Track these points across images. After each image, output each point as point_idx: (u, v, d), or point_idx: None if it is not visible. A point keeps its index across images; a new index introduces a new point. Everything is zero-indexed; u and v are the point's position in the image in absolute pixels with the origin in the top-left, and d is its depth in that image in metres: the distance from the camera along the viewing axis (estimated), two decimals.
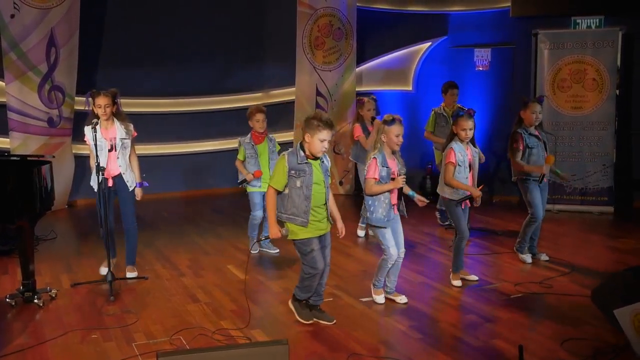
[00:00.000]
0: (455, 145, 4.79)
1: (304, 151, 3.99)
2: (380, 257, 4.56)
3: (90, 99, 4.97)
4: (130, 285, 5.14)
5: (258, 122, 5.53)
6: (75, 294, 4.94)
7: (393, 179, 4.34)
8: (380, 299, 4.60)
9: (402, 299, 4.66)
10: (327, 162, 4.15)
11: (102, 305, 4.66)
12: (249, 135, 5.62)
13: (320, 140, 3.92)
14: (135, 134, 5.14)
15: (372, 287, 4.67)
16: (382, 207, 4.34)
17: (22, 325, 4.28)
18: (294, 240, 4.08)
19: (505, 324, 4.26)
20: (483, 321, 4.30)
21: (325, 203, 4.07)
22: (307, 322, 4.18)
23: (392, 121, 4.35)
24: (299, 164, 3.94)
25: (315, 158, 3.99)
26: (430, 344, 3.93)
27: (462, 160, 4.78)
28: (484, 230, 6.82)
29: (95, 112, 4.94)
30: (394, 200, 4.40)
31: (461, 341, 3.98)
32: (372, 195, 4.36)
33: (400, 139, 4.34)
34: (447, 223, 6.66)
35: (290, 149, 4.09)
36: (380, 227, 4.40)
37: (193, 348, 3.82)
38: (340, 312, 4.48)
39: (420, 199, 4.57)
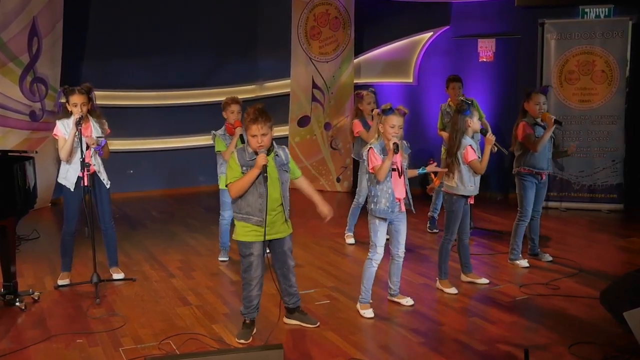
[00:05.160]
0: (472, 141, 4.84)
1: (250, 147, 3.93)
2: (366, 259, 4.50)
3: (64, 95, 4.93)
4: (117, 287, 5.13)
5: (233, 113, 5.51)
6: (60, 297, 4.93)
7: (394, 170, 4.32)
8: (368, 313, 4.46)
9: (407, 301, 4.66)
10: (285, 155, 4.07)
11: (87, 308, 4.65)
12: (222, 128, 5.60)
13: (251, 137, 3.87)
14: (109, 131, 5.09)
15: (358, 302, 4.55)
16: (385, 197, 4.33)
17: (3, 330, 4.26)
18: (235, 240, 4.07)
19: (510, 327, 4.27)
20: (487, 324, 4.31)
21: (281, 203, 3.99)
22: (242, 341, 4.03)
23: (390, 110, 4.32)
24: (249, 160, 3.89)
25: (267, 152, 3.92)
26: (432, 348, 3.94)
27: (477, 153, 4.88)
28: (487, 230, 6.83)
29: (70, 110, 4.89)
30: (399, 195, 4.39)
31: (464, 345, 3.99)
32: (380, 182, 4.30)
33: (397, 130, 4.27)
34: (435, 231, 6.69)
35: (240, 146, 4.07)
36: (378, 219, 4.39)
37: (183, 353, 3.81)
38: (338, 315, 4.49)
39: (434, 168, 4.57)
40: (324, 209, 4.19)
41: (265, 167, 3.84)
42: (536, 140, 5.32)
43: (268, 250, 4.16)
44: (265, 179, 3.85)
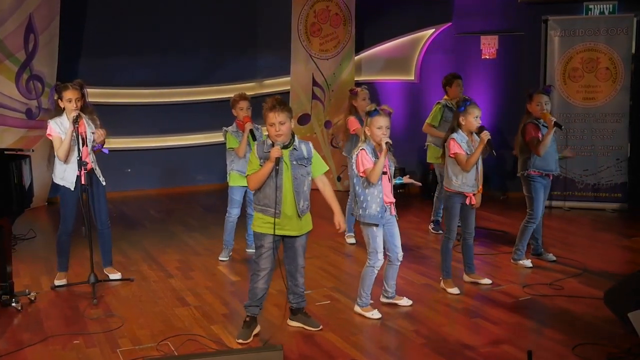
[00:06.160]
0: (457, 135, 4.82)
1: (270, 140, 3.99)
2: (364, 266, 4.45)
3: (56, 92, 4.95)
4: (115, 287, 5.13)
5: (242, 110, 5.52)
6: (56, 297, 4.92)
7: (385, 173, 4.28)
8: (375, 314, 4.43)
9: (406, 302, 4.65)
10: (307, 150, 4.06)
11: (84, 309, 4.64)
12: (234, 124, 5.61)
13: (269, 125, 3.94)
14: (102, 130, 5.10)
15: (356, 305, 4.52)
16: (375, 202, 4.28)
17: None
18: (252, 230, 4.18)
19: (513, 328, 4.27)
20: (490, 325, 4.31)
21: (294, 197, 3.99)
22: (240, 341, 4.01)
23: (375, 111, 4.27)
24: (265, 152, 3.95)
25: (285, 147, 3.94)
26: (434, 349, 3.93)
27: (467, 150, 4.81)
28: (489, 229, 6.82)
29: (63, 107, 4.89)
30: (389, 199, 4.35)
31: (466, 346, 3.98)
32: (372, 185, 4.25)
33: (384, 131, 4.22)
34: (440, 232, 6.68)
35: (257, 142, 4.17)
36: (372, 225, 4.35)
37: (182, 354, 3.82)
38: (338, 316, 4.49)
39: (411, 180, 4.56)
40: (340, 219, 4.17)
41: (278, 159, 3.87)
42: (538, 143, 5.31)
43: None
44: (277, 171, 3.90)
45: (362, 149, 4.29)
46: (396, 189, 4.55)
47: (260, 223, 4.05)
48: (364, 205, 4.30)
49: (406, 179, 4.56)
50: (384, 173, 4.28)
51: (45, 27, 7.75)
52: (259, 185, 3.98)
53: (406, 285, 5.01)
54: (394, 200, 4.39)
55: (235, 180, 5.67)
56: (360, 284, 4.47)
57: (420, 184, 4.76)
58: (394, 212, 4.41)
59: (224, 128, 5.64)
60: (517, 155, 5.58)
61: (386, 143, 4.19)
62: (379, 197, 4.29)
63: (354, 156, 4.33)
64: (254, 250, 4.10)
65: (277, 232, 4.00)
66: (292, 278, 4.22)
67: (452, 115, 5.20)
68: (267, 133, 4.05)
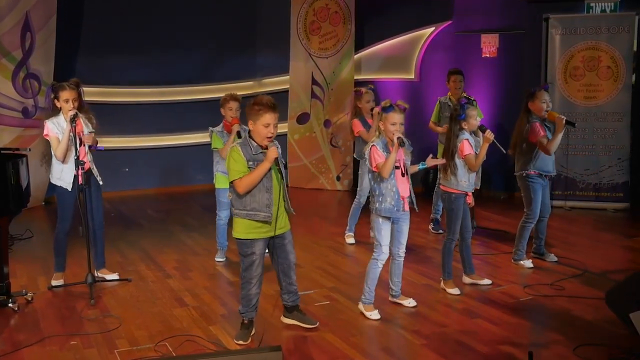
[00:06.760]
0: (469, 136, 4.85)
1: (255, 141, 3.92)
2: (370, 259, 4.50)
3: (52, 92, 4.94)
4: (112, 287, 5.13)
5: (231, 110, 5.49)
6: (53, 297, 4.92)
7: (397, 168, 4.32)
8: (374, 314, 4.45)
9: (410, 302, 4.65)
10: (280, 148, 4.06)
11: (82, 310, 4.64)
12: (220, 125, 5.59)
13: (264, 126, 3.86)
14: (97, 126, 5.12)
15: (360, 302, 4.55)
16: (390, 195, 4.32)
17: None
18: (236, 238, 4.01)
19: (514, 328, 4.27)
20: (491, 325, 4.31)
21: (283, 196, 3.99)
22: (239, 342, 4.02)
23: (390, 107, 4.29)
24: (255, 154, 3.88)
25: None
26: (435, 350, 3.94)
27: (475, 149, 4.87)
28: (491, 229, 6.82)
29: (60, 107, 4.89)
30: (404, 193, 4.38)
31: (467, 347, 3.98)
32: (384, 179, 4.28)
33: (398, 127, 4.25)
34: (440, 232, 6.67)
35: (238, 141, 4.04)
36: (385, 219, 4.38)
37: (180, 355, 3.82)
38: (338, 317, 4.49)
39: (434, 161, 4.58)
40: None
41: (276, 160, 3.86)
42: (548, 142, 5.29)
43: (266, 250, 4.15)
44: (278, 172, 3.89)
45: (374, 144, 4.34)
46: (419, 178, 4.57)
47: (249, 229, 3.93)
48: (379, 199, 4.36)
49: (429, 161, 4.57)
50: (397, 168, 4.32)
51: (42, 25, 7.74)
52: (252, 188, 3.86)
53: (407, 285, 5.01)
54: (408, 194, 4.41)
55: (222, 182, 5.62)
56: (365, 277, 4.51)
57: (444, 160, 4.78)
58: (407, 208, 4.43)
59: (210, 128, 5.62)
60: (512, 154, 5.56)
61: (398, 138, 4.21)
62: (393, 190, 4.33)
63: (367, 152, 4.38)
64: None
65: (269, 234, 3.94)
66: (286, 277, 4.19)
67: (450, 118, 5.14)
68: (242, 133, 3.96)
